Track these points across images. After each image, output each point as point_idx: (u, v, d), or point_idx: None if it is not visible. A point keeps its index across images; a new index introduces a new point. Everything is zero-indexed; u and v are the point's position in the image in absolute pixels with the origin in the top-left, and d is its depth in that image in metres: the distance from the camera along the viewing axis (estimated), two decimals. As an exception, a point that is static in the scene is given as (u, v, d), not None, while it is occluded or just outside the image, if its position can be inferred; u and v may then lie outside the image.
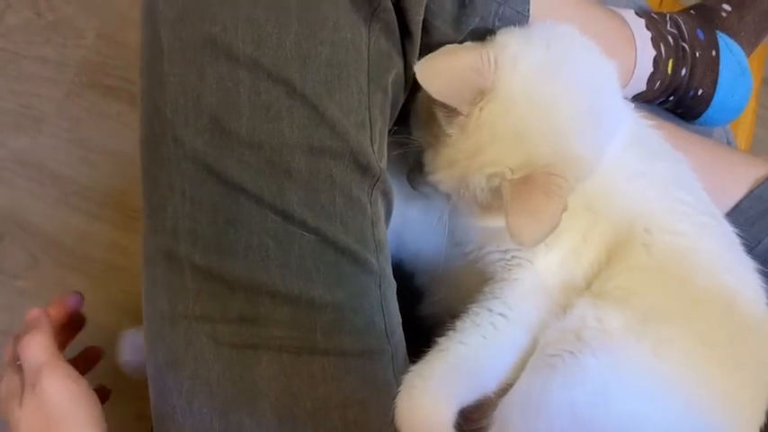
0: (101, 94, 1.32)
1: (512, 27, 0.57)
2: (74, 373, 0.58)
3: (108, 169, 1.28)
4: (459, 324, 0.56)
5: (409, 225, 0.65)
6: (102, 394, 0.70)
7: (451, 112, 0.53)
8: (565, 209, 0.51)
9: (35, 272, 1.23)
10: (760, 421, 0.55)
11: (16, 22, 1.39)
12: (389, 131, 0.57)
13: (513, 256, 0.57)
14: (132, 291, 1.16)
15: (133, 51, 1.30)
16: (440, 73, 0.52)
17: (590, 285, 0.57)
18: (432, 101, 0.53)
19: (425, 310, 0.66)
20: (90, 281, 1.21)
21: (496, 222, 0.53)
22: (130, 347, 0.68)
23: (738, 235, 0.61)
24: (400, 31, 0.54)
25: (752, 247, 0.62)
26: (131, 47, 1.33)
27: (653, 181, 0.59)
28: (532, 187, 0.51)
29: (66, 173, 1.28)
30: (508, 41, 0.55)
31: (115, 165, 1.27)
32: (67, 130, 1.31)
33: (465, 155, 0.54)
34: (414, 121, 0.59)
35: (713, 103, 0.80)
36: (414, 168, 0.59)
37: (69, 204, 1.26)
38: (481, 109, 0.53)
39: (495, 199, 0.53)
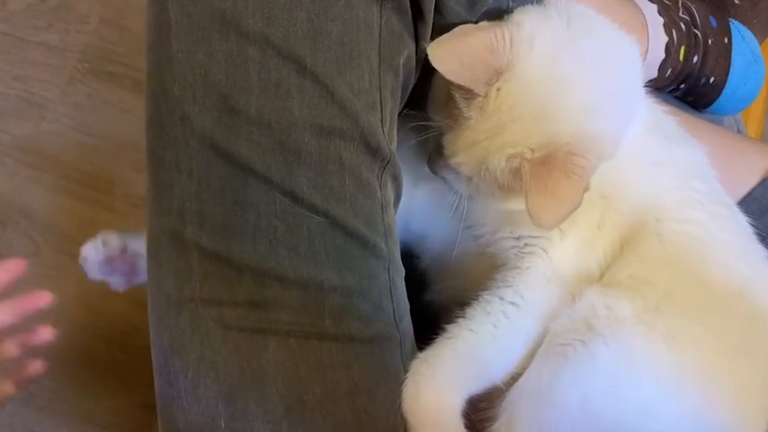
0: (104, 81, 1.32)
1: (528, 6, 0.56)
2: None
3: (111, 156, 1.27)
4: (469, 311, 0.56)
5: (417, 211, 0.65)
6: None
7: (469, 93, 0.52)
8: (587, 189, 0.50)
9: (37, 259, 1.23)
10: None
11: (19, 6, 1.38)
12: (400, 114, 0.56)
13: (526, 244, 0.57)
14: (135, 278, 1.16)
15: (137, 37, 1.31)
16: (453, 54, 0.51)
17: (603, 275, 0.56)
18: (449, 83, 0.52)
19: (432, 296, 0.66)
20: (92, 268, 1.21)
21: (517, 204, 0.52)
22: (98, 243, 0.66)
23: (751, 224, 0.60)
24: (413, 12, 0.53)
25: (764, 236, 0.61)
26: (135, 33, 1.32)
27: (667, 169, 0.59)
28: (552, 167, 0.50)
29: (69, 159, 1.28)
30: (524, 19, 0.54)
31: (118, 151, 1.27)
32: (70, 117, 1.30)
33: (485, 136, 0.53)
34: (432, 105, 0.58)
35: (725, 91, 0.80)
36: (434, 152, 0.58)
37: (71, 191, 1.26)
38: (498, 89, 0.52)
39: (515, 180, 0.52)
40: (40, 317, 0.66)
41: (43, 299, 0.66)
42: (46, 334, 0.67)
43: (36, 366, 0.68)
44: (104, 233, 0.66)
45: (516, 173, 0.52)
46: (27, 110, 1.31)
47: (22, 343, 0.68)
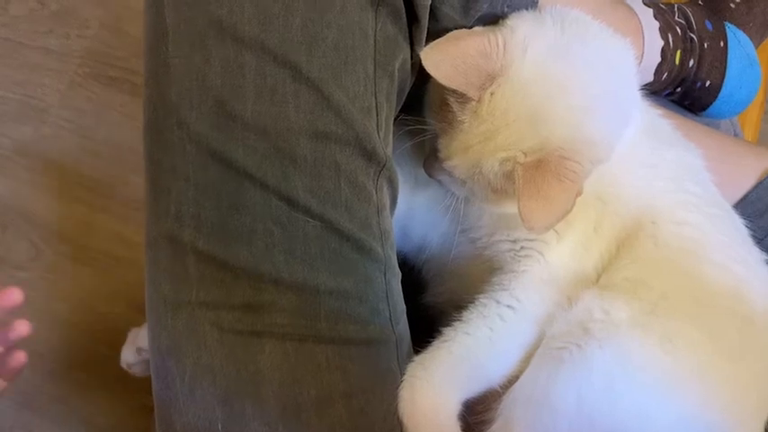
0: (104, 85, 1.32)
1: (522, 11, 0.56)
2: None
3: (110, 160, 1.28)
4: (465, 315, 0.56)
5: (414, 214, 0.65)
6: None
7: (463, 97, 0.53)
8: (579, 193, 0.50)
9: (37, 263, 1.23)
10: (766, 416, 0.54)
11: (20, 11, 1.39)
12: (396, 119, 0.56)
13: (522, 247, 0.57)
14: (134, 282, 1.16)
15: (137, 42, 1.31)
16: (446, 59, 0.51)
17: (599, 277, 0.56)
18: (443, 87, 0.53)
19: (428, 299, 0.66)
20: (93, 272, 1.21)
21: (510, 208, 0.53)
22: (134, 350, 0.68)
23: (746, 226, 0.61)
24: (407, 17, 0.53)
25: (760, 239, 0.61)
26: (135, 37, 1.32)
27: (662, 172, 0.59)
28: (545, 171, 0.50)
29: (69, 163, 1.28)
30: (518, 25, 0.54)
31: (118, 156, 1.27)
32: (70, 121, 1.31)
33: (478, 140, 0.53)
34: (427, 108, 0.58)
35: (721, 94, 0.80)
36: (430, 155, 0.59)
37: (72, 195, 1.26)
38: (492, 94, 0.52)
39: (508, 183, 0.53)
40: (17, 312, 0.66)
41: (16, 296, 0.66)
42: (23, 327, 0.67)
43: (20, 358, 0.68)
44: (135, 334, 0.68)
45: (509, 176, 0.52)
46: (27, 114, 1.32)
47: (2, 340, 0.68)
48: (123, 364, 0.69)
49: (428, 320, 0.61)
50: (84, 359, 1.16)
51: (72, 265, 1.22)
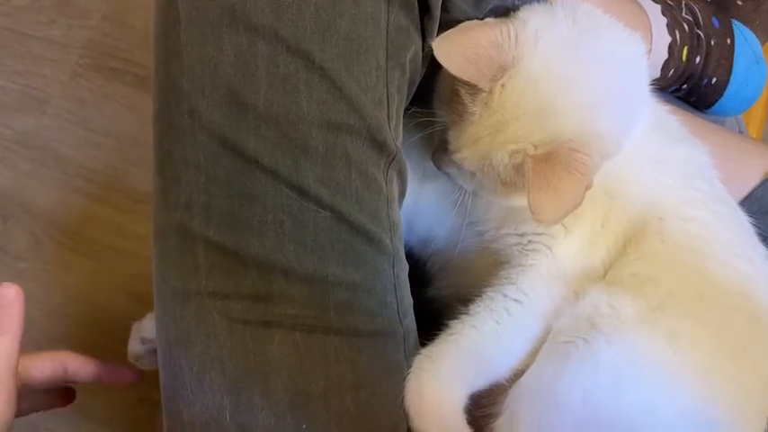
0: (106, 76, 1.32)
1: (534, 4, 0.56)
2: None
3: (112, 152, 1.27)
4: (472, 308, 0.56)
5: (421, 207, 0.65)
6: (66, 396, 0.70)
7: (474, 88, 0.53)
8: (589, 186, 0.50)
9: (38, 254, 1.23)
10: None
11: (22, 1, 1.38)
12: (406, 111, 0.56)
13: (530, 241, 0.57)
14: (137, 274, 1.16)
15: (139, 33, 1.31)
16: (458, 49, 0.51)
17: (606, 273, 0.56)
18: (454, 78, 0.53)
19: (435, 292, 0.66)
20: (94, 263, 1.21)
21: (519, 201, 0.53)
22: (138, 340, 0.68)
23: (752, 224, 0.61)
24: (420, 8, 0.53)
25: (765, 236, 0.61)
26: (137, 29, 1.32)
27: (670, 168, 0.59)
28: (555, 164, 0.50)
29: (70, 155, 1.28)
30: (530, 17, 0.54)
31: (120, 147, 1.27)
32: (72, 112, 1.30)
33: (488, 132, 0.53)
34: (437, 100, 0.58)
35: (727, 92, 0.80)
36: (439, 148, 0.59)
37: (73, 186, 1.26)
38: (503, 85, 0.52)
39: (517, 176, 0.53)
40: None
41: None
42: None
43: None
44: (138, 326, 0.68)
45: (519, 169, 0.52)
46: (29, 104, 1.31)
47: None
48: (131, 358, 0.68)
49: (432, 313, 0.61)
50: (84, 351, 1.15)
51: (72, 257, 1.22)
